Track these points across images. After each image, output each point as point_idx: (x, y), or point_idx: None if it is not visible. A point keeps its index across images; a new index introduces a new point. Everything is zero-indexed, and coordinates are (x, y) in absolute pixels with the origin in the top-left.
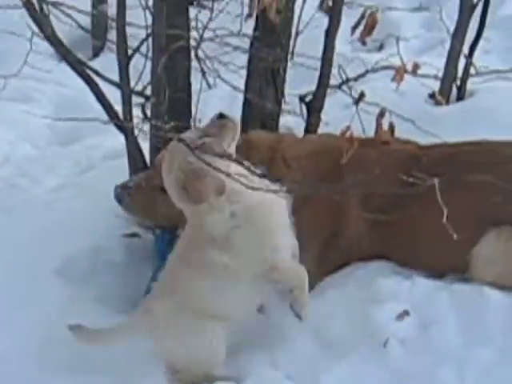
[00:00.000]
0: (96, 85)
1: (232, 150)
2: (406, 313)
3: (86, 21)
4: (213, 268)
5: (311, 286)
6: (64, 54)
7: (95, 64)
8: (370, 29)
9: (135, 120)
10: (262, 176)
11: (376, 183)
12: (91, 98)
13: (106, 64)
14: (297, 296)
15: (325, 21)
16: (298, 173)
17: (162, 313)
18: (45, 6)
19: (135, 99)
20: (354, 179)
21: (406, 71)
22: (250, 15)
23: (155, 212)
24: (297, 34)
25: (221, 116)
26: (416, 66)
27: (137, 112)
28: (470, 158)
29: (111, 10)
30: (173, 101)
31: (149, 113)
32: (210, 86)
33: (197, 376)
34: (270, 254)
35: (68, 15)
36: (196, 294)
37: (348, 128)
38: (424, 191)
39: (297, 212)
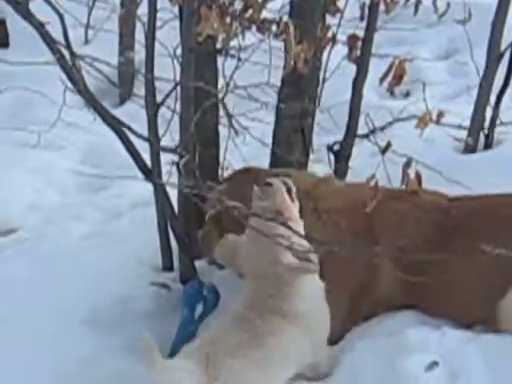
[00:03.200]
0: (126, 136)
1: None
2: (435, 363)
3: (112, 69)
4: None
5: (340, 337)
6: (97, 107)
7: (121, 112)
8: (398, 78)
9: (164, 171)
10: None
11: (407, 242)
12: (118, 145)
13: (133, 112)
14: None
15: (351, 68)
16: (327, 227)
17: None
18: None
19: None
20: (385, 238)
21: (430, 119)
22: (285, 66)
23: None
24: (323, 81)
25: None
26: (441, 114)
27: (165, 162)
28: (499, 211)
29: (138, 57)
30: (202, 155)
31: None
32: (236, 133)
33: None
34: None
35: (98, 70)
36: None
37: (373, 176)
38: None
39: (326, 261)
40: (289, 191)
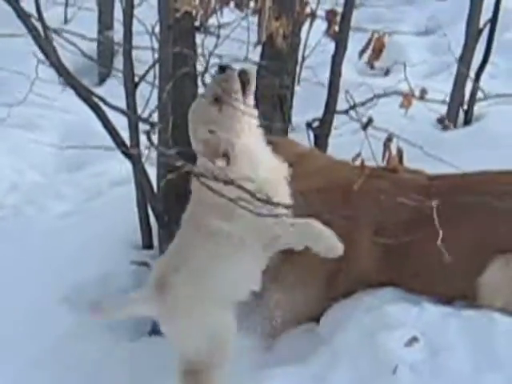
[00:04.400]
0: (102, 112)
1: (251, 101)
2: (414, 339)
3: (91, 47)
4: (217, 236)
5: (318, 313)
6: (69, 80)
7: (101, 90)
8: (377, 52)
9: (142, 147)
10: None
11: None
12: (97, 124)
13: (112, 90)
14: (321, 246)
15: (331, 45)
16: (302, 209)
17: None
18: (49, 33)
19: (142, 126)
20: (364, 217)
21: (413, 96)
22: (258, 42)
23: None
24: (303, 59)
25: (223, 68)
26: (423, 92)
27: (144, 139)
28: (477, 188)
29: (117, 36)
30: (179, 127)
31: (155, 139)
32: None
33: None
34: (272, 222)
35: (73, 44)
36: (203, 265)
37: (358, 155)
38: (433, 221)
39: None
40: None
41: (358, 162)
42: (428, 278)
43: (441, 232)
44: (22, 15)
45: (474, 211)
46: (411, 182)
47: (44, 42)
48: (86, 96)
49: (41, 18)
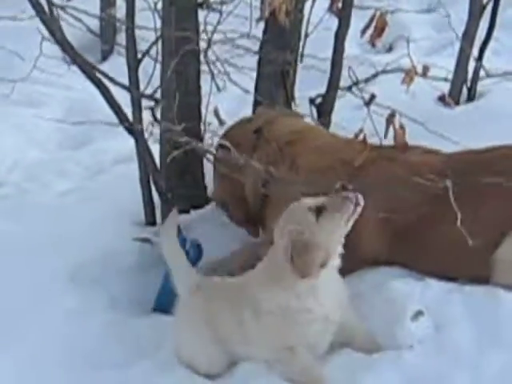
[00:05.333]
0: (106, 88)
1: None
2: (420, 313)
3: (94, 24)
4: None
5: None
6: (74, 57)
7: (104, 67)
8: (379, 31)
9: (145, 123)
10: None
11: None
12: (101, 101)
13: (115, 67)
14: None
15: (334, 22)
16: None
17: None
18: (54, 10)
19: (145, 103)
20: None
21: (416, 73)
22: (261, 18)
23: None
24: (306, 35)
25: (344, 188)
26: (426, 68)
27: (147, 115)
28: (493, 167)
29: (120, 12)
30: (183, 104)
31: (159, 116)
32: (219, 89)
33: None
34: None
35: (77, 19)
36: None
37: (361, 131)
38: (445, 201)
39: None
40: None
41: (360, 138)
42: (441, 260)
43: (459, 214)
44: None
45: (488, 191)
46: (424, 167)
47: (49, 18)
48: (89, 72)
49: None
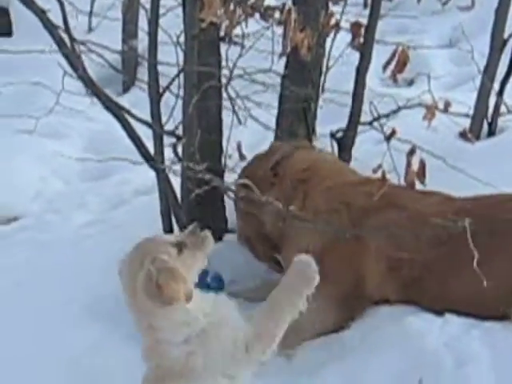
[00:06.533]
0: (127, 122)
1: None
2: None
3: (115, 56)
4: None
5: (331, 330)
6: (96, 92)
7: (125, 99)
8: (401, 66)
9: (166, 158)
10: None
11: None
12: (121, 133)
13: (137, 99)
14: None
15: (354, 56)
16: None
17: None
18: (76, 46)
19: (166, 137)
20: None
21: (437, 109)
22: (283, 53)
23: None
24: (327, 69)
25: (197, 228)
26: (447, 104)
27: (168, 150)
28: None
29: (141, 45)
30: (204, 140)
31: (180, 151)
32: (240, 122)
33: None
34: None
35: (100, 55)
36: None
37: (379, 167)
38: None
39: (323, 257)
40: None
41: (378, 174)
42: (454, 305)
43: (475, 261)
44: (49, 27)
45: (502, 239)
46: (432, 217)
47: (71, 54)
48: (111, 107)
49: (67, 30)
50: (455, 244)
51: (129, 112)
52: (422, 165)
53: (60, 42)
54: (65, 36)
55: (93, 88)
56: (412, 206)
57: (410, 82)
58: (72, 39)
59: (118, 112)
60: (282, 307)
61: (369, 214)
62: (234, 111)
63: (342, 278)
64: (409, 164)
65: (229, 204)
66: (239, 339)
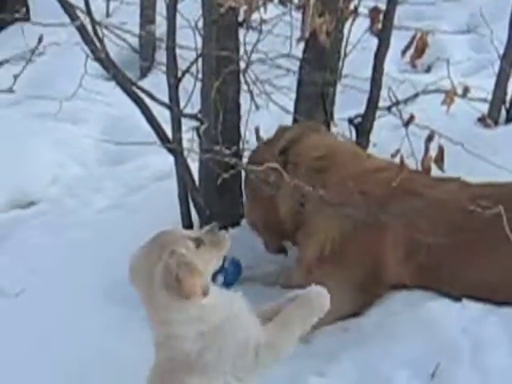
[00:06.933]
0: (146, 106)
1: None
2: None
3: (133, 41)
4: None
5: (348, 314)
6: (114, 74)
7: (143, 84)
8: (420, 51)
9: (184, 141)
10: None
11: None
12: (140, 118)
13: (155, 84)
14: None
15: (372, 42)
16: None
17: None
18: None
19: (185, 121)
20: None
21: (456, 94)
22: (301, 38)
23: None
24: (345, 55)
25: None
26: (466, 89)
27: (186, 133)
28: None
29: (159, 30)
30: (222, 123)
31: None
32: (257, 107)
33: None
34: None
35: (119, 36)
36: None
37: (397, 152)
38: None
39: (342, 242)
40: None
41: (397, 159)
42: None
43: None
44: (69, 10)
45: None
46: (449, 204)
47: (92, 37)
48: (129, 90)
49: (89, 12)
50: (473, 230)
51: (148, 93)
52: (441, 150)
53: (81, 26)
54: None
55: (112, 70)
56: (428, 193)
57: (428, 69)
58: (93, 21)
59: (135, 95)
60: (294, 322)
61: (387, 202)
62: (251, 96)
63: (361, 264)
64: (427, 150)
65: None
66: (251, 342)
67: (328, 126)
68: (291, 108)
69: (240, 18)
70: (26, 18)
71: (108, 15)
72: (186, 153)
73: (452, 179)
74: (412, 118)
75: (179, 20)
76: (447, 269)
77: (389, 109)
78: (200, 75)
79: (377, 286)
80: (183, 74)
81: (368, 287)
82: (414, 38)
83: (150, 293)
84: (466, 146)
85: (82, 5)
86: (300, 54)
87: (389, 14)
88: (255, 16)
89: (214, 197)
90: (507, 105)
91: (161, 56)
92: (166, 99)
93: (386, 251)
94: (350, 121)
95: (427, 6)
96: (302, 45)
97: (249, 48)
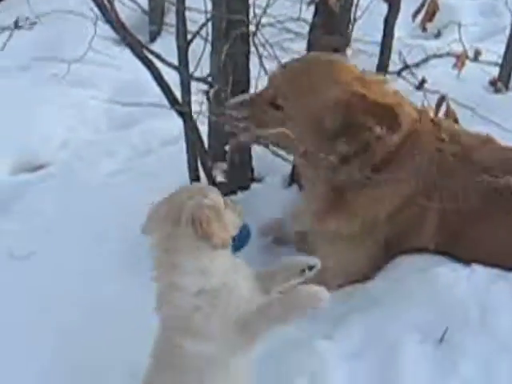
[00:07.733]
0: (156, 69)
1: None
2: None
3: (143, 3)
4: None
5: (370, 271)
6: (124, 36)
7: (153, 48)
8: (431, 15)
9: (194, 104)
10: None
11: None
12: (150, 82)
13: (164, 48)
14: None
15: (382, 7)
16: None
17: None
18: None
19: (194, 84)
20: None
21: (467, 58)
22: (311, 2)
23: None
24: (355, 20)
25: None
26: (478, 53)
27: (195, 96)
28: None
29: None
30: (232, 86)
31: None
32: (267, 72)
33: None
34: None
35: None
36: None
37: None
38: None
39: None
40: None
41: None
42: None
43: None
44: None
45: None
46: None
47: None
48: (139, 52)
49: None
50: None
51: (157, 55)
52: (453, 114)
53: None
54: None
55: (121, 32)
56: (464, 155)
57: (438, 34)
58: None
59: (145, 57)
60: (285, 309)
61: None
62: (260, 60)
63: (395, 224)
64: (437, 113)
65: (255, 153)
66: (242, 314)
67: None
68: None
69: None
70: None
71: None
72: (195, 116)
73: (488, 141)
74: (424, 80)
75: None
76: (474, 235)
77: (399, 73)
78: (210, 38)
79: (399, 248)
80: (193, 37)
81: (392, 248)
82: (424, 1)
83: (172, 232)
84: (477, 110)
85: None
86: (310, 18)
87: None
88: None
89: (223, 160)
90: None
91: (170, 19)
92: (175, 62)
93: (427, 215)
94: None
95: None
96: (312, 8)
97: (258, 11)
